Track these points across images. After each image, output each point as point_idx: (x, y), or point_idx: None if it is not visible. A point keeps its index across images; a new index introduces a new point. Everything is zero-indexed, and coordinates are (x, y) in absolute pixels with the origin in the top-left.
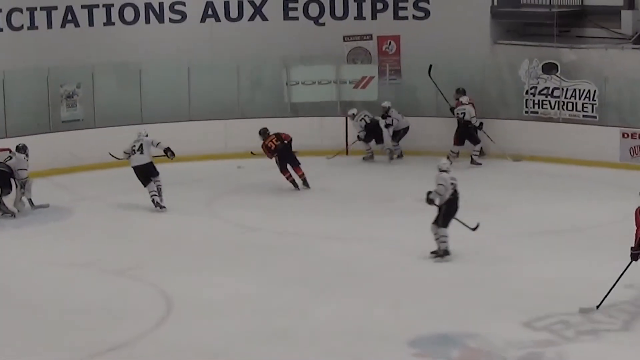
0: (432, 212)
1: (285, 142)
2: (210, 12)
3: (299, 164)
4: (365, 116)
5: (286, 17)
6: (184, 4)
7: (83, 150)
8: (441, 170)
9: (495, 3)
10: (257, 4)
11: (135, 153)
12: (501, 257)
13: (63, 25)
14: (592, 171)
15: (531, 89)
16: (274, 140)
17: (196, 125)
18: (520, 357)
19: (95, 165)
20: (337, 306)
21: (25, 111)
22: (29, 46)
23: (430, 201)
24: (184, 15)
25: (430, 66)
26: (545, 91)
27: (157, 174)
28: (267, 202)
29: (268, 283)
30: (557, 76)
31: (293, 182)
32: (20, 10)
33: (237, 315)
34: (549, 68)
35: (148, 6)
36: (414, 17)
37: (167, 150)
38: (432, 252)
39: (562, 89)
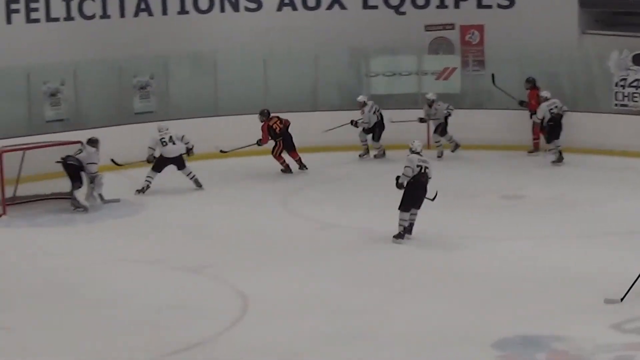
0: (522, 209)
1: (287, 126)
2: (286, 0)
3: (295, 148)
4: (377, 109)
5: (365, 5)
6: None
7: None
8: (412, 152)
9: None
10: None
11: (167, 144)
12: (590, 257)
13: (136, 14)
14: None
15: (621, 80)
16: (278, 123)
17: None
18: None
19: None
20: (420, 307)
21: (97, 103)
22: (101, 36)
23: (399, 186)
24: (259, 4)
25: (493, 75)
26: (635, 83)
27: (185, 167)
28: (345, 197)
29: (347, 282)
30: None
31: (287, 167)
32: None
33: (314, 316)
34: None
35: None
36: (499, 5)
37: (191, 149)
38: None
39: None
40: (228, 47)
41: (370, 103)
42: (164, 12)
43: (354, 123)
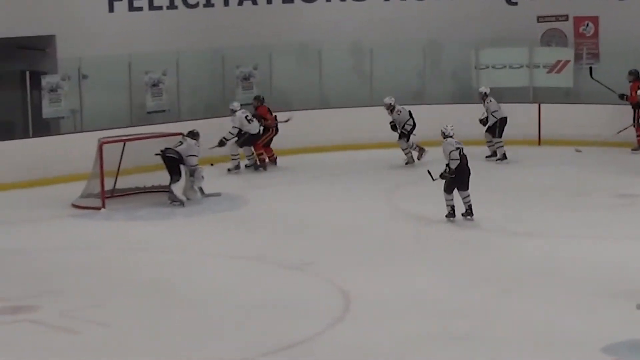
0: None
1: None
2: None
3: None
4: (401, 107)
5: None
6: None
7: None
8: (447, 136)
9: None
10: None
11: (252, 121)
12: None
13: (240, 3)
14: None
15: None
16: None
17: (376, 111)
18: None
19: None
20: (525, 308)
21: (198, 94)
22: (204, 25)
23: (452, 172)
24: None
25: (590, 68)
26: None
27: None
28: None
29: (451, 281)
30: None
31: (263, 162)
32: None
33: (417, 316)
34: None
35: None
36: None
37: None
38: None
39: None
40: (333, 38)
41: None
42: (269, 1)
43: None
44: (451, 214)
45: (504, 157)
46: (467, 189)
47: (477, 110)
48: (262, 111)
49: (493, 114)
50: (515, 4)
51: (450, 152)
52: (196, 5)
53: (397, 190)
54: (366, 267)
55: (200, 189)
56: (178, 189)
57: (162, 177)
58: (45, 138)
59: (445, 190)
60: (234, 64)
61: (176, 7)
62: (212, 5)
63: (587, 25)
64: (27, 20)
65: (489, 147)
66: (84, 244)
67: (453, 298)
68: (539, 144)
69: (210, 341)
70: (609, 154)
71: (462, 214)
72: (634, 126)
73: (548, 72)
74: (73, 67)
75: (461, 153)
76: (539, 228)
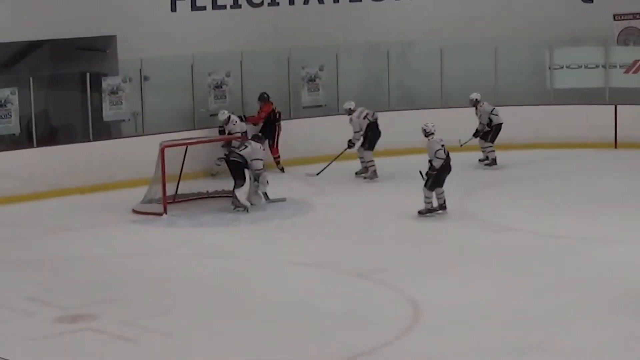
0: None
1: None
2: None
3: None
4: (367, 114)
5: None
6: None
7: (321, 139)
8: (429, 134)
9: None
10: None
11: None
12: None
13: (306, 2)
14: None
15: None
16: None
17: (448, 112)
18: None
19: (331, 156)
20: (601, 320)
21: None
22: (269, 24)
23: (434, 169)
24: None
25: None
26: None
27: None
28: (523, 199)
29: (524, 290)
30: None
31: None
32: None
33: (487, 326)
34: None
35: None
36: None
37: None
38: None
39: None
40: (402, 38)
41: (359, 109)
42: None
43: (350, 144)
44: (429, 210)
45: (494, 162)
46: (443, 185)
47: (552, 111)
48: (264, 109)
49: (492, 113)
50: (591, 1)
51: (437, 150)
52: (261, 4)
53: (469, 196)
54: (437, 275)
55: (265, 194)
56: (242, 194)
57: (226, 182)
58: (106, 142)
59: (429, 188)
60: (299, 65)
61: (240, 7)
62: (277, 4)
63: None
64: (88, 21)
65: (482, 151)
66: (145, 250)
67: (524, 308)
68: (615, 147)
69: (275, 351)
70: None
71: (435, 207)
72: None
73: (625, 72)
74: (134, 68)
75: (445, 151)
76: (615, 234)
